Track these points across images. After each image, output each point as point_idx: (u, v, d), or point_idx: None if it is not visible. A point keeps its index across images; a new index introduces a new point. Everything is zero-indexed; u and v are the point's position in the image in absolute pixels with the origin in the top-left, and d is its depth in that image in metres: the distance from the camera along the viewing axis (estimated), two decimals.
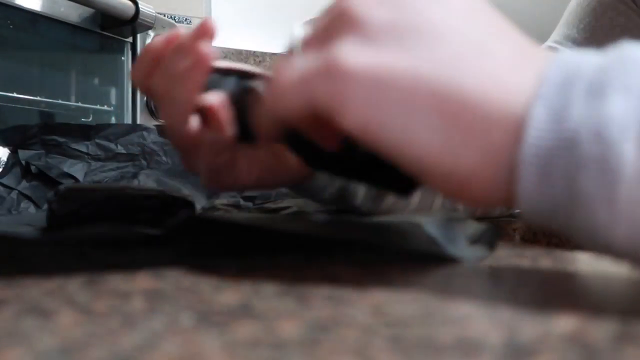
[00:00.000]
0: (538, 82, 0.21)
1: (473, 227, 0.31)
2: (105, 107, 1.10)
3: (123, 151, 0.61)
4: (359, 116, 0.23)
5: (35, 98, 0.96)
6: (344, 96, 0.23)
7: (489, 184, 0.22)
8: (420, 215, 0.30)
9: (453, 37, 0.23)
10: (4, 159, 0.57)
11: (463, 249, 0.28)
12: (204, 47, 0.32)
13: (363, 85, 0.22)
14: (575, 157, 0.19)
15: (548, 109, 0.20)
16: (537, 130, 0.20)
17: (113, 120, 1.10)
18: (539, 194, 0.20)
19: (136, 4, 0.99)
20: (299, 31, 0.27)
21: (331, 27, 0.25)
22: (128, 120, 1.09)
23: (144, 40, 1.09)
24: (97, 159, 0.59)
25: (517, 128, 0.21)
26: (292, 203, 0.52)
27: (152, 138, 0.64)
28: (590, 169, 0.19)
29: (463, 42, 0.23)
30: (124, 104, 1.11)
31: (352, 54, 0.23)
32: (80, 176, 0.57)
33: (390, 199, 0.46)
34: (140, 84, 0.35)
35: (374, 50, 0.23)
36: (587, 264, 0.29)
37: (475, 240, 0.29)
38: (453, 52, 0.22)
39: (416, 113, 0.22)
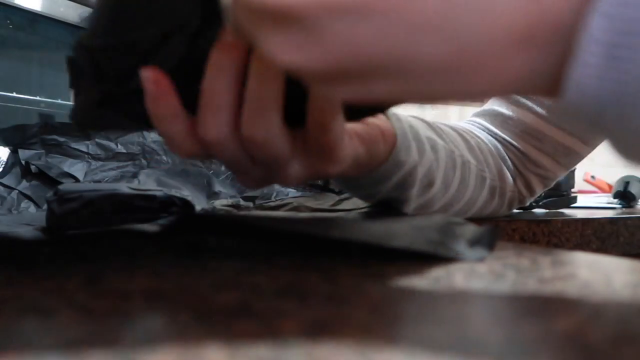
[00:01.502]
0: None
1: (472, 229, 0.31)
2: None
3: (123, 150, 0.61)
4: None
5: (35, 98, 0.96)
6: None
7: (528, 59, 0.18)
8: (420, 217, 0.30)
9: None
10: (4, 159, 0.57)
11: (463, 249, 0.28)
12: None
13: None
14: None
15: None
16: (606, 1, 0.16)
17: None
18: (598, 80, 0.17)
19: None
20: None
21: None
22: None
23: None
24: (97, 158, 0.59)
25: None
26: (292, 200, 0.52)
27: (152, 137, 0.64)
28: None
29: None
30: None
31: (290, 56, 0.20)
32: (80, 176, 0.57)
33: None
34: None
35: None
36: (586, 264, 0.29)
37: (474, 242, 0.29)
38: None
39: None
